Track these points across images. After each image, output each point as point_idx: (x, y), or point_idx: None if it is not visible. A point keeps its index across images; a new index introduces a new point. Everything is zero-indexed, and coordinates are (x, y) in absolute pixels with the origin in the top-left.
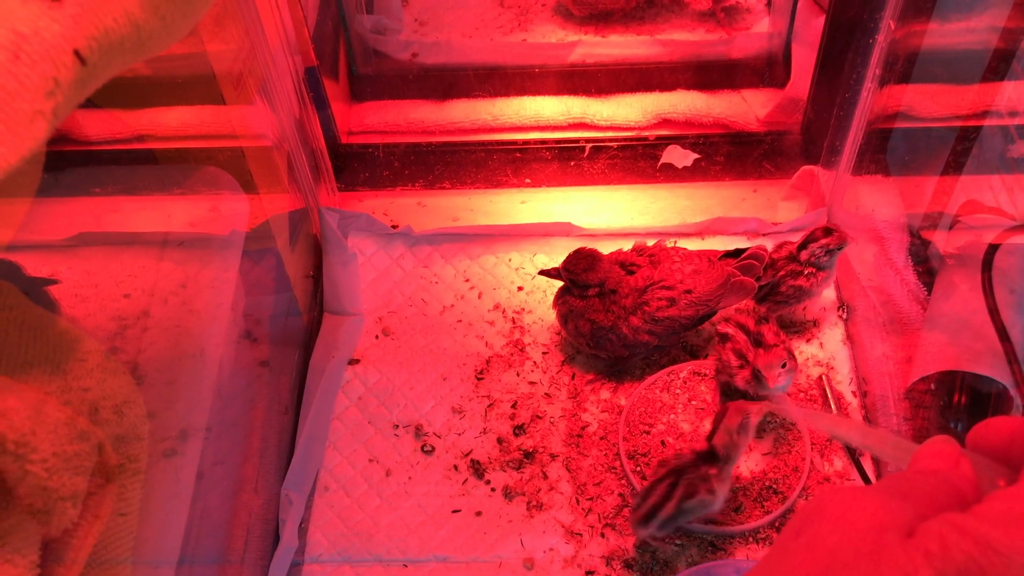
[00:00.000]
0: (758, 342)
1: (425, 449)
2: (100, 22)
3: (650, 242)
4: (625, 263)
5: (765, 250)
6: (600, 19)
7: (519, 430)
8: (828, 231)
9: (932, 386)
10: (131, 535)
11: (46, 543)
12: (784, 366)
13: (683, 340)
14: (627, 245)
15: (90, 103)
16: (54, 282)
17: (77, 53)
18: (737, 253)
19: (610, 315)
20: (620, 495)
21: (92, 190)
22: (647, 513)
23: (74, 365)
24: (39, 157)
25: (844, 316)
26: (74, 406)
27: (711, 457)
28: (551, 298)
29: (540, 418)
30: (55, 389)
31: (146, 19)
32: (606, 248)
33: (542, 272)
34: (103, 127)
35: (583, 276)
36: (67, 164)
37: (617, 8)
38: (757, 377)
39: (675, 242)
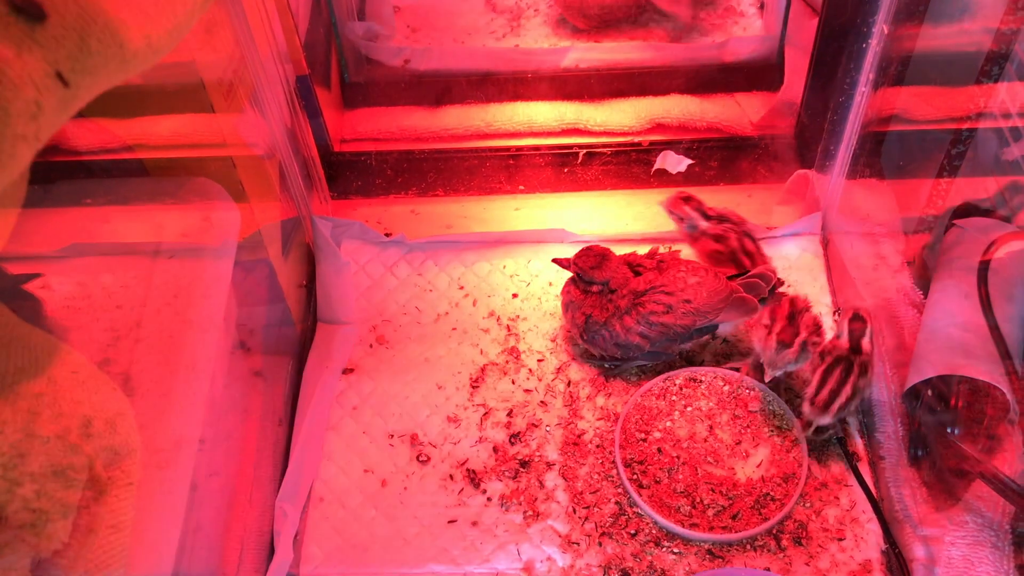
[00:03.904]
0: (793, 318)
1: (420, 459)
2: (83, 43)
3: (661, 249)
4: (633, 264)
5: (773, 271)
6: (598, 26)
7: (515, 439)
8: (858, 316)
9: (929, 391)
10: (124, 549)
11: (38, 560)
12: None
13: (681, 350)
14: (622, 251)
15: (79, 113)
16: (36, 276)
17: (60, 75)
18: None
19: (605, 312)
20: (617, 503)
21: (83, 201)
22: (827, 400)
23: (65, 379)
24: (24, 169)
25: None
26: (65, 420)
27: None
28: (546, 305)
29: (536, 426)
30: (46, 404)
31: (130, 39)
32: None
33: (555, 260)
34: (93, 137)
35: (590, 272)
36: (57, 175)
37: (621, 18)
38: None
39: (672, 248)
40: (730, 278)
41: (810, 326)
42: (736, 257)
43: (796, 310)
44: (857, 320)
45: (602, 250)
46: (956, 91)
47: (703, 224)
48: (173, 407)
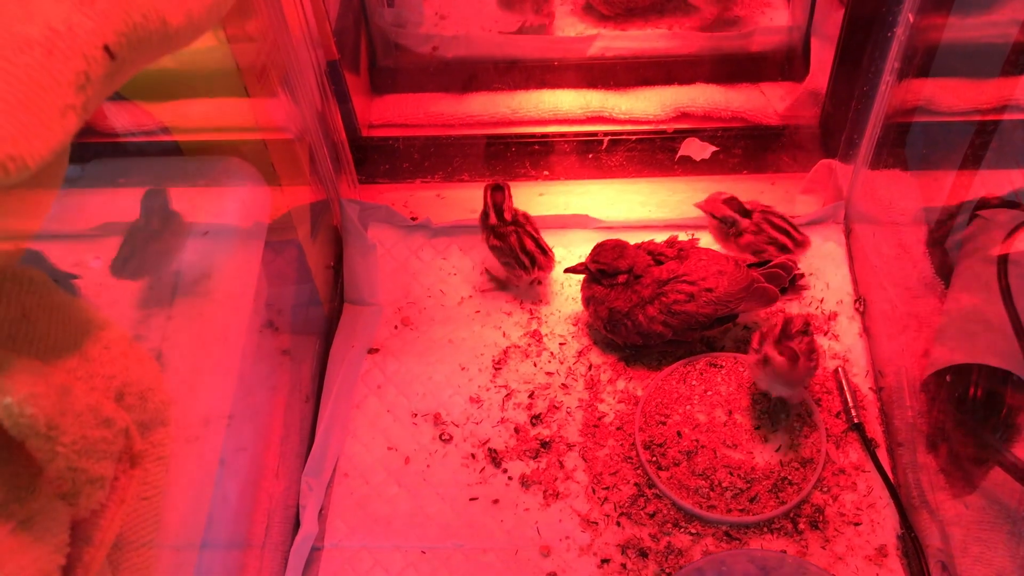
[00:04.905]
0: (785, 334)
1: (443, 438)
2: (129, 18)
3: (666, 235)
4: (654, 252)
5: (794, 262)
6: (622, 14)
7: (536, 420)
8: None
9: (948, 379)
10: (156, 518)
11: (74, 524)
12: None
13: (702, 336)
14: (645, 238)
15: (116, 95)
16: (76, 276)
17: (107, 48)
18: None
19: (628, 302)
20: (636, 485)
21: (117, 181)
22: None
23: (100, 352)
24: (65, 149)
25: (861, 309)
26: (100, 392)
27: None
28: (568, 290)
29: (557, 408)
30: (81, 375)
31: (173, 14)
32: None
33: (568, 271)
34: (129, 119)
35: (615, 264)
36: (93, 155)
37: (647, 6)
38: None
39: (694, 236)
40: (750, 267)
41: (803, 348)
42: None
43: (790, 333)
44: (732, 200)
45: (616, 241)
46: (981, 83)
47: None
48: (203, 383)
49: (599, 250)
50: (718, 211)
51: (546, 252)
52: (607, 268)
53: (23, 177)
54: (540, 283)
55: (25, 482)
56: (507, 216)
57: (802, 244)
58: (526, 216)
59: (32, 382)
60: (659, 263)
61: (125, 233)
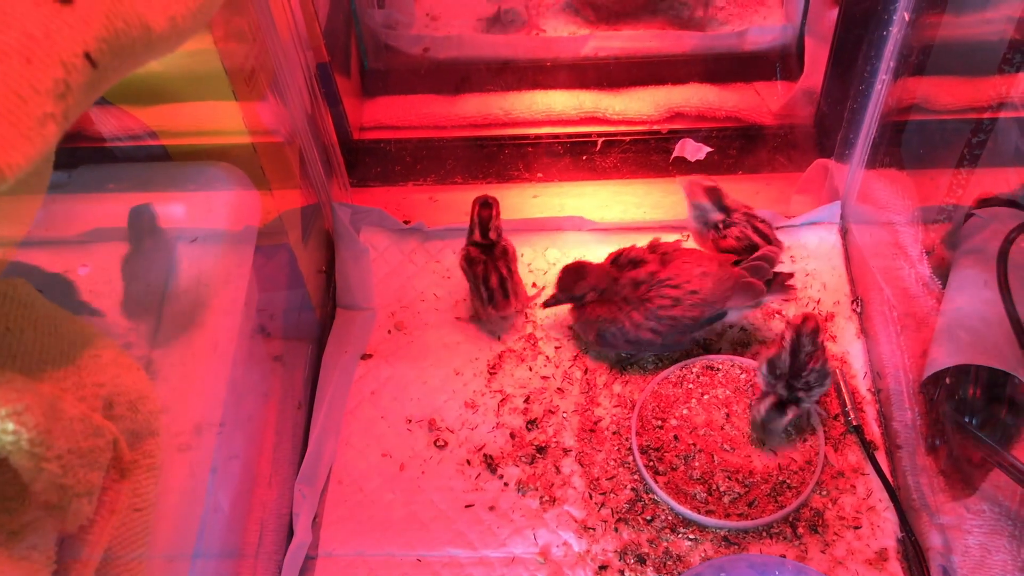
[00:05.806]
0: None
1: (438, 443)
2: (110, 24)
3: (670, 237)
4: (635, 259)
5: (776, 253)
6: (613, 14)
7: (532, 425)
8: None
9: (947, 380)
10: (146, 530)
11: (62, 538)
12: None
13: (694, 338)
14: (640, 239)
15: (103, 100)
16: (97, 313)
17: (88, 55)
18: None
19: (612, 307)
20: (633, 490)
21: (106, 186)
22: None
23: (88, 361)
24: (48, 156)
25: (858, 310)
26: (88, 402)
27: None
28: None
29: (553, 413)
30: (70, 385)
31: (156, 20)
32: (618, 242)
33: (544, 306)
34: (116, 124)
35: (576, 288)
36: (80, 161)
37: (630, 9)
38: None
39: (688, 236)
40: (734, 263)
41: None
42: None
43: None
44: (714, 190)
45: (574, 264)
46: (977, 80)
47: None
48: (194, 391)
49: (560, 276)
50: (695, 196)
51: (508, 295)
52: (571, 292)
53: (1, 189)
54: (504, 320)
55: (15, 492)
56: (492, 235)
57: (776, 247)
58: (505, 250)
59: (16, 397)
60: (636, 267)
61: (122, 270)
